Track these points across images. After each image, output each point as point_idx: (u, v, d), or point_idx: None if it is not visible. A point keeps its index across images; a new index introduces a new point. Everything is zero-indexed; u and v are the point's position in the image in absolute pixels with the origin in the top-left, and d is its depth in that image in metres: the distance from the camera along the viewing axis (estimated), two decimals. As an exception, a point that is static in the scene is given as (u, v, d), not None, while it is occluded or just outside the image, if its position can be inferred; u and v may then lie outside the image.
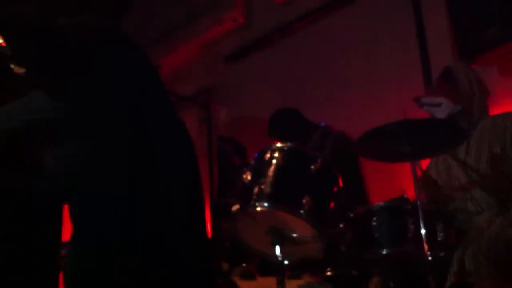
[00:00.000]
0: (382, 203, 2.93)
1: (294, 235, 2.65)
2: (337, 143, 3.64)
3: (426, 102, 3.22)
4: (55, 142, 1.70)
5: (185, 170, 1.87)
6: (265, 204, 2.58)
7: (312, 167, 2.65)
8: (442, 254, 2.72)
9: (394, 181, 3.74)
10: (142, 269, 1.61)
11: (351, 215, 2.90)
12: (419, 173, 2.90)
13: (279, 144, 2.75)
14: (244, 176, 2.74)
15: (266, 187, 2.61)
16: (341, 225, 2.84)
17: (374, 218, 2.82)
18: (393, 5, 4.63)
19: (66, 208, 1.80)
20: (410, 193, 2.82)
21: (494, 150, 2.99)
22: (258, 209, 2.59)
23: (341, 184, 2.78)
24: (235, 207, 2.68)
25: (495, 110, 3.36)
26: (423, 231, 2.57)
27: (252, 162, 2.80)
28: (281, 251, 2.62)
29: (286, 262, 2.73)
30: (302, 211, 2.54)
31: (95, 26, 1.84)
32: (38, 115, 1.69)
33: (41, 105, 1.69)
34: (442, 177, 3.21)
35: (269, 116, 4.24)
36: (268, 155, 2.71)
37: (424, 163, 3.37)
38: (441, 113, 3.16)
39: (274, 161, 2.69)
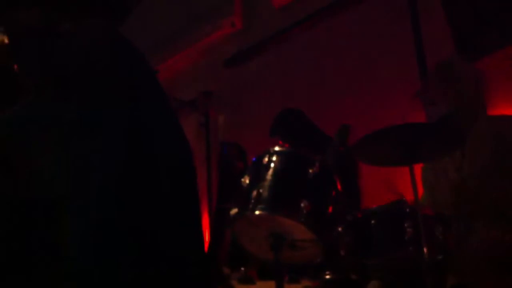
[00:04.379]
0: (380, 207, 2.93)
1: (293, 239, 2.65)
2: (340, 152, 3.64)
3: (423, 97, 3.22)
4: (56, 148, 1.71)
5: (183, 172, 1.87)
6: (263, 208, 2.58)
7: (310, 170, 2.66)
8: (440, 257, 2.72)
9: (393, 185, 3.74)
10: (139, 268, 1.62)
11: (350, 219, 2.90)
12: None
13: (277, 148, 2.76)
14: (243, 180, 2.75)
15: (264, 191, 2.61)
16: (339, 229, 2.84)
17: (373, 222, 2.82)
18: (390, 10, 4.65)
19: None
20: (409, 197, 2.82)
21: (487, 154, 2.97)
22: (257, 213, 2.59)
23: (339, 187, 2.78)
24: (234, 211, 2.68)
25: (494, 114, 3.35)
26: (421, 234, 2.57)
27: (250, 166, 2.81)
28: (279, 255, 2.62)
29: (284, 266, 2.73)
30: (300, 215, 2.54)
31: (98, 31, 1.85)
32: (41, 124, 1.70)
33: (44, 113, 1.70)
34: (441, 178, 3.20)
35: (274, 116, 4.23)
36: (266, 159, 2.72)
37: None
38: (436, 111, 3.14)
39: (272, 164, 2.70)
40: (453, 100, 3.14)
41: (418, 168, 3.30)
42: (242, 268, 3.28)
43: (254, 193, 2.62)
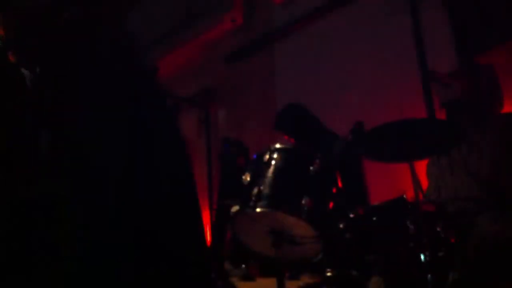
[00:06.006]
0: (382, 203, 2.93)
1: (294, 236, 2.65)
2: (345, 147, 3.64)
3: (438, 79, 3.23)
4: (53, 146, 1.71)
5: (180, 174, 1.87)
6: (264, 205, 2.58)
7: (311, 167, 2.66)
8: (441, 253, 2.71)
9: (394, 181, 3.74)
10: (139, 268, 1.62)
11: (351, 215, 2.90)
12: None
13: (277, 145, 2.76)
14: (244, 177, 2.75)
15: (265, 188, 2.61)
16: (341, 226, 2.84)
17: (374, 219, 2.82)
18: (390, 7, 4.63)
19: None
20: (410, 194, 2.82)
21: (499, 149, 2.98)
22: (258, 210, 2.59)
23: (340, 184, 2.78)
24: (235, 208, 2.69)
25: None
26: (422, 231, 2.57)
27: (251, 163, 2.81)
28: (280, 252, 2.62)
29: (285, 263, 2.73)
30: (301, 212, 2.55)
31: (98, 30, 1.85)
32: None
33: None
34: (446, 172, 3.20)
35: (278, 110, 4.22)
36: (267, 156, 2.72)
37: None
38: (449, 93, 3.16)
39: (273, 162, 2.70)
40: (468, 94, 3.17)
41: (421, 164, 3.30)
42: (243, 265, 3.28)
43: (255, 190, 2.62)
